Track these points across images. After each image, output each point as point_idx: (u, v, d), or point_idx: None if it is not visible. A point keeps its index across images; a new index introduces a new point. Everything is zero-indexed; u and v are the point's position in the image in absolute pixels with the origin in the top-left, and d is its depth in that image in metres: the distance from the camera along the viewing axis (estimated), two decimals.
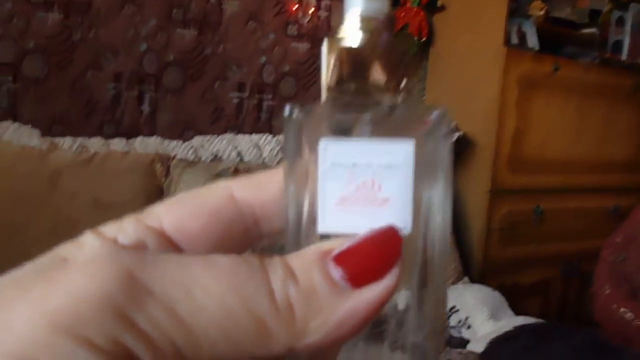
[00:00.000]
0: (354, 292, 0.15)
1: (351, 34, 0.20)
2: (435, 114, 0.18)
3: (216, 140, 1.42)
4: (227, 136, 1.45)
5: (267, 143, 1.46)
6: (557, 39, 1.69)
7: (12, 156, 1.12)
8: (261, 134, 1.49)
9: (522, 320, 1.27)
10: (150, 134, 1.41)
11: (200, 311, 0.14)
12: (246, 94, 1.56)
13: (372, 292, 0.15)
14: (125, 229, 0.17)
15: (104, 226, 0.18)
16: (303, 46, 1.61)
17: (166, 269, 0.14)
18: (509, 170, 1.57)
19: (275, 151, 1.45)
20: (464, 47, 1.63)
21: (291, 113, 0.18)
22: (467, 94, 1.62)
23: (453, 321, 1.32)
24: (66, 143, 1.23)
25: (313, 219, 0.18)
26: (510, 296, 1.42)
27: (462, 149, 1.61)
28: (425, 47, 1.72)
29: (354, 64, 0.19)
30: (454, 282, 1.46)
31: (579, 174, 1.70)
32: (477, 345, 1.19)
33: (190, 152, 1.36)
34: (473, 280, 1.52)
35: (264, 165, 1.41)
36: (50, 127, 1.32)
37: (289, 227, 0.19)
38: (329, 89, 0.19)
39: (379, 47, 0.19)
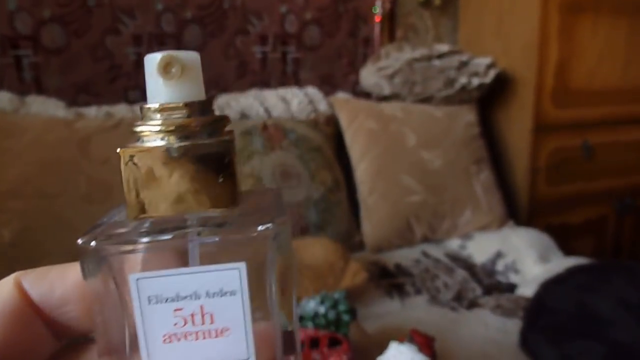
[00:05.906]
0: None
1: (153, 135, 0.15)
2: (268, 227, 0.16)
3: (242, 98, 1.38)
4: (253, 92, 1.40)
5: (294, 96, 1.41)
6: None
7: (40, 126, 1.12)
8: (287, 88, 1.44)
9: (573, 261, 1.21)
10: None
11: None
12: (269, 47, 1.50)
13: None
14: None
15: None
16: None
17: None
18: (553, 105, 1.47)
19: (304, 104, 1.40)
20: None
21: (89, 244, 0.15)
22: (504, 26, 1.51)
23: (500, 266, 1.27)
24: (92, 112, 1.22)
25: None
26: (558, 237, 1.36)
27: (501, 87, 1.51)
28: None
29: (158, 174, 0.15)
30: (499, 227, 1.40)
31: (631, 104, 1.57)
32: (527, 290, 1.15)
33: (216, 111, 1.33)
34: (519, 223, 1.45)
35: (292, 119, 1.36)
36: (76, 97, 1.31)
37: None
38: (132, 206, 0.15)
39: (192, 151, 0.15)
